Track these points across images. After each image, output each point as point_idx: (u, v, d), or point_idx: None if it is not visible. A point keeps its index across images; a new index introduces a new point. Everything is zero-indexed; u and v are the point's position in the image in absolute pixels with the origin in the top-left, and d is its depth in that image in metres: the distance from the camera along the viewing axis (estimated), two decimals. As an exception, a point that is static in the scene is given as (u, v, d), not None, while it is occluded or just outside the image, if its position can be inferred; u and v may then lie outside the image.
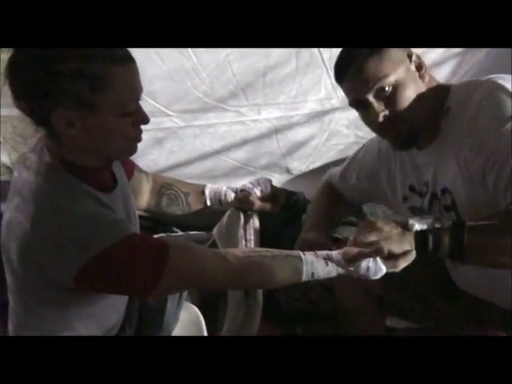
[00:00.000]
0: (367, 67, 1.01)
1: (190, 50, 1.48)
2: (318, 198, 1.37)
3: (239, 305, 1.07)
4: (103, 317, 1.03)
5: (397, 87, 1.02)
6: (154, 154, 1.69)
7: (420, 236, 0.98)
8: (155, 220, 1.73)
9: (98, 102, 0.84)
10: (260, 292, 1.07)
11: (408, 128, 1.05)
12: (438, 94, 1.06)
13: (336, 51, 1.52)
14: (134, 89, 0.88)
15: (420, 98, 1.03)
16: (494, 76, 1.02)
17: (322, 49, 1.54)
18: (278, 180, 1.79)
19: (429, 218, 1.02)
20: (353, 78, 1.04)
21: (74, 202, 0.88)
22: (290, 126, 1.72)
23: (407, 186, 1.17)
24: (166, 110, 1.57)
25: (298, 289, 1.64)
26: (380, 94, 1.02)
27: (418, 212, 1.15)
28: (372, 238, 0.96)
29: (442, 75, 1.67)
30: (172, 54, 1.48)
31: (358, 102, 1.06)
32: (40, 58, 0.81)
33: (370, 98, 1.03)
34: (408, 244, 0.97)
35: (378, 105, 1.03)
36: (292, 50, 1.54)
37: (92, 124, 0.86)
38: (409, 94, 1.02)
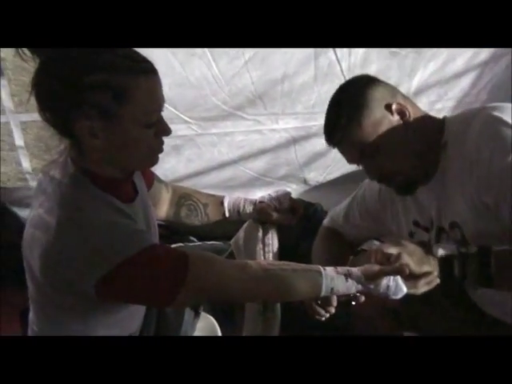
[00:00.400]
0: (349, 135, 1.04)
1: (209, 56, 1.49)
2: (321, 243, 1.33)
3: (257, 317, 1.07)
4: (122, 326, 1.03)
5: (383, 145, 1.02)
6: (171, 161, 1.70)
7: (445, 261, 0.95)
8: (171, 228, 1.74)
9: (122, 113, 0.85)
10: (278, 305, 1.07)
11: (405, 179, 1.06)
12: (433, 130, 1.06)
13: (354, 61, 1.57)
14: (156, 100, 0.89)
15: (410, 146, 1.03)
16: (488, 106, 1.01)
17: (340, 58, 1.55)
18: (295, 190, 1.80)
19: (454, 244, 1.00)
20: (339, 145, 1.07)
21: (97, 212, 0.88)
22: (307, 137, 1.71)
23: (411, 221, 1.16)
24: (184, 117, 1.57)
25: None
26: (368, 155, 1.04)
27: (426, 246, 1.13)
28: (394, 249, 0.95)
29: (462, 87, 1.67)
30: (192, 60, 1.49)
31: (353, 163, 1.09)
32: (66, 70, 0.82)
33: (360, 162, 1.05)
34: (430, 266, 0.96)
35: (369, 166, 1.06)
36: (311, 58, 1.54)
37: (115, 135, 0.87)
38: (397, 149, 1.03)
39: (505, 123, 0.94)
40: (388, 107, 1.04)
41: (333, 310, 1.07)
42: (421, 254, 0.97)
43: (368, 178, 1.11)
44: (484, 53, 1.63)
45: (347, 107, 1.04)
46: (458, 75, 1.65)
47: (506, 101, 1.19)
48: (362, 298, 1.05)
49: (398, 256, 0.95)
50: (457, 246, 0.97)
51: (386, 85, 1.08)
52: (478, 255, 0.93)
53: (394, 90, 1.08)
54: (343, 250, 1.29)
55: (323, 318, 1.08)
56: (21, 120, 1.63)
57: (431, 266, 0.96)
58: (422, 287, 0.96)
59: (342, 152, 1.09)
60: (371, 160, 1.05)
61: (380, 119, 1.03)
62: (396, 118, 1.04)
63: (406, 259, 0.94)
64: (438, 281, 0.96)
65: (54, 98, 0.84)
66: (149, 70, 0.86)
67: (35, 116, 1.56)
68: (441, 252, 0.97)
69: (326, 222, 1.38)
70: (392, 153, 1.03)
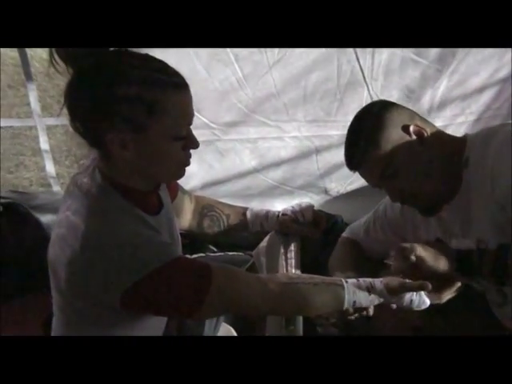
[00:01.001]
0: (368, 158, 1.05)
1: (234, 61, 1.50)
2: (339, 252, 1.33)
3: (279, 331, 1.06)
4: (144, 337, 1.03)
5: (403, 167, 1.03)
6: (192, 167, 1.69)
7: (464, 255, 0.97)
8: (190, 237, 1.74)
9: (153, 125, 0.86)
10: (300, 319, 1.06)
11: (428, 200, 1.06)
12: (453, 149, 1.06)
13: (377, 70, 1.56)
14: (186, 114, 0.90)
15: (430, 166, 1.04)
16: (508, 123, 1.03)
17: (363, 65, 1.54)
18: (316, 201, 1.78)
19: (470, 240, 1.02)
20: (359, 169, 1.08)
21: (123, 223, 0.89)
22: (329, 147, 1.71)
23: (432, 239, 1.15)
24: (207, 121, 1.58)
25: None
26: (389, 178, 1.04)
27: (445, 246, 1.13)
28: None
29: (483, 101, 1.66)
30: (216, 65, 1.50)
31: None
32: (98, 82, 0.83)
33: (381, 184, 1.06)
34: (447, 265, 0.97)
35: (390, 188, 1.07)
36: (333, 65, 1.54)
37: (145, 147, 0.87)
38: (417, 170, 1.03)
39: None
40: (405, 129, 1.04)
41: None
42: (436, 250, 0.98)
43: (391, 200, 1.11)
44: (506, 68, 1.61)
45: (365, 130, 1.06)
46: (480, 90, 1.64)
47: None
48: (371, 312, 1.06)
49: (412, 248, 0.96)
50: (476, 242, 0.99)
51: (403, 108, 1.10)
52: (496, 251, 0.94)
53: (411, 113, 1.09)
54: (361, 261, 1.29)
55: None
56: (47, 123, 1.65)
57: (447, 265, 0.97)
58: (446, 297, 0.99)
59: (363, 176, 1.10)
60: (392, 182, 1.05)
61: (398, 141, 1.04)
62: (414, 140, 1.04)
63: (421, 252, 0.96)
64: (459, 288, 0.98)
65: (85, 109, 0.85)
66: (180, 85, 0.87)
67: (61, 120, 1.60)
68: (459, 246, 0.99)
69: (345, 233, 1.38)
70: (412, 174, 1.04)
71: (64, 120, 1.63)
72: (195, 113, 0.91)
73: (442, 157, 1.05)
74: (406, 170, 1.04)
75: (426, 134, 1.05)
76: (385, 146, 1.03)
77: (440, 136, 1.08)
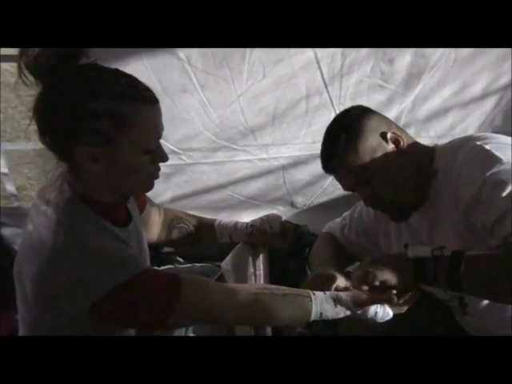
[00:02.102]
0: (345, 162, 1.06)
1: (200, 91, 1.51)
2: (320, 246, 1.36)
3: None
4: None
5: (379, 173, 1.05)
6: (158, 188, 1.69)
7: (419, 264, 0.99)
8: (159, 249, 1.74)
9: (122, 139, 0.86)
10: (269, 329, 1.08)
11: (399, 206, 1.09)
12: (424, 159, 1.09)
13: (345, 93, 1.59)
14: (156, 128, 0.91)
15: (404, 173, 1.06)
16: (474, 136, 1.05)
17: (331, 92, 1.57)
18: (283, 213, 1.79)
19: (428, 247, 1.04)
20: (335, 172, 1.10)
21: (92, 236, 0.89)
22: (296, 164, 1.73)
23: (402, 244, 1.18)
24: (174, 148, 1.60)
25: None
26: (364, 182, 1.06)
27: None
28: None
29: (484, 110, 1.68)
30: (183, 96, 1.51)
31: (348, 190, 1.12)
32: (68, 96, 0.84)
33: (355, 188, 1.08)
34: (410, 277, 0.99)
35: (364, 193, 1.08)
36: (303, 94, 1.56)
37: (114, 160, 0.88)
38: (392, 176, 1.06)
39: (486, 152, 0.97)
40: (383, 136, 1.06)
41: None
42: (396, 264, 1.01)
43: (364, 205, 1.13)
44: (503, 79, 1.63)
45: (343, 135, 1.06)
46: (479, 98, 1.66)
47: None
48: None
49: (374, 275, 0.98)
50: (431, 249, 1.00)
51: (381, 115, 1.12)
52: (450, 258, 0.94)
53: (388, 120, 1.11)
54: (340, 254, 1.32)
55: None
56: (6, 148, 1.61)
57: (408, 277, 0.99)
58: (406, 307, 1.02)
59: (338, 179, 1.12)
60: (367, 187, 1.07)
61: (375, 147, 1.06)
62: (391, 147, 1.06)
63: (382, 276, 0.98)
64: (418, 295, 1.01)
65: (55, 123, 0.85)
66: (150, 99, 0.88)
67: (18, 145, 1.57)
68: (414, 254, 1.00)
69: (325, 228, 1.41)
70: (387, 180, 1.05)
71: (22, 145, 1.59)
72: (164, 142, 0.92)
73: (414, 166, 1.07)
74: (381, 176, 1.05)
75: (402, 142, 1.07)
76: (362, 152, 1.05)
77: (414, 145, 1.10)
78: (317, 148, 1.66)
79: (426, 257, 0.99)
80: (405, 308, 1.04)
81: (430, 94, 1.62)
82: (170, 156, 0.95)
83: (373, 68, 1.54)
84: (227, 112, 1.56)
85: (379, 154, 1.05)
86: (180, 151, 1.62)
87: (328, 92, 1.57)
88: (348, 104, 1.51)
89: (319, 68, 1.51)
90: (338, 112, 1.56)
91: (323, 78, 1.54)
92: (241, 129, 1.61)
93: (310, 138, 1.64)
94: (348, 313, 1.01)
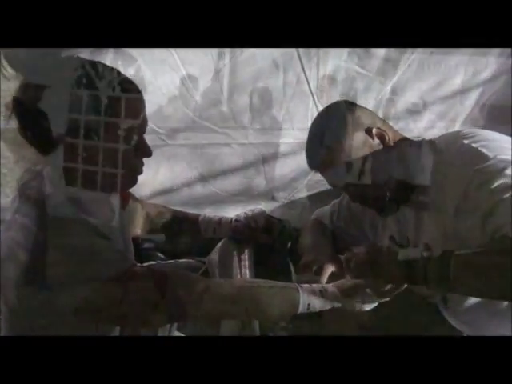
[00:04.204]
0: (331, 159, 1.06)
1: (181, 66, 1.47)
2: (311, 232, 1.35)
3: (235, 335, 1.07)
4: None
5: (365, 169, 1.05)
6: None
7: (408, 266, 0.97)
8: (137, 245, 1.71)
9: (104, 132, 0.85)
10: (257, 323, 1.08)
11: (385, 201, 1.08)
12: (410, 154, 1.08)
13: (322, 81, 1.59)
14: (138, 120, 0.90)
15: (390, 169, 1.06)
16: (461, 133, 1.04)
17: (308, 76, 1.56)
18: (264, 207, 1.80)
19: (418, 248, 1.02)
20: (320, 168, 1.10)
21: (75, 233, 0.87)
22: (275, 157, 1.72)
23: (388, 236, 1.19)
24: (154, 127, 1.54)
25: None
26: (350, 179, 1.06)
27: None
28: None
29: (468, 104, 1.68)
30: (163, 69, 1.46)
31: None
32: (49, 89, 0.82)
33: (342, 185, 1.09)
34: (397, 271, 0.98)
35: (351, 190, 1.09)
36: (280, 74, 1.55)
37: (96, 154, 0.86)
38: (378, 172, 1.05)
39: (473, 149, 0.97)
40: (369, 131, 1.06)
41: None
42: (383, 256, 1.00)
43: (351, 201, 1.14)
44: (485, 72, 1.64)
45: (329, 131, 1.06)
46: (462, 92, 1.67)
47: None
48: None
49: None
50: (420, 250, 0.99)
51: (365, 109, 1.11)
52: (439, 258, 0.93)
53: (373, 115, 1.11)
54: (330, 241, 1.31)
55: None
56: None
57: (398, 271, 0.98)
58: (392, 294, 1.01)
59: (324, 175, 1.12)
60: (352, 184, 1.07)
61: (361, 143, 1.05)
62: (376, 142, 1.06)
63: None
64: (405, 284, 1.00)
65: (34, 116, 0.84)
66: (133, 91, 0.88)
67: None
68: (404, 255, 0.99)
69: (313, 215, 1.41)
70: (373, 176, 1.05)
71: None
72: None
73: (400, 161, 1.07)
74: (367, 172, 1.05)
75: (387, 137, 1.06)
76: (348, 149, 1.04)
77: (399, 140, 1.09)
78: (294, 136, 1.67)
79: (416, 258, 0.97)
80: (391, 295, 1.03)
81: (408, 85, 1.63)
82: (149, 135, 0.94)
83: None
84: (207, 90, 1.54)
85: (365, 150, 1.05)
86: (160, 130, 1.57)
87: (306, 76, 1.57)
88: (326, 90, 1.52)
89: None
90: (315, 98, 1.59)
91: (301, 62, 1.54)
92: (220, 107, 1.58)
93: (288, 123, 1.63)
94: (335, 303, 1.01)
